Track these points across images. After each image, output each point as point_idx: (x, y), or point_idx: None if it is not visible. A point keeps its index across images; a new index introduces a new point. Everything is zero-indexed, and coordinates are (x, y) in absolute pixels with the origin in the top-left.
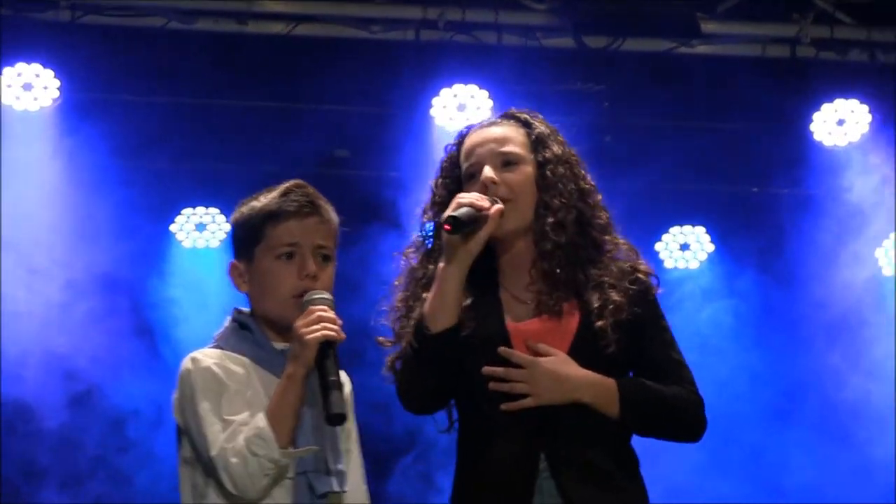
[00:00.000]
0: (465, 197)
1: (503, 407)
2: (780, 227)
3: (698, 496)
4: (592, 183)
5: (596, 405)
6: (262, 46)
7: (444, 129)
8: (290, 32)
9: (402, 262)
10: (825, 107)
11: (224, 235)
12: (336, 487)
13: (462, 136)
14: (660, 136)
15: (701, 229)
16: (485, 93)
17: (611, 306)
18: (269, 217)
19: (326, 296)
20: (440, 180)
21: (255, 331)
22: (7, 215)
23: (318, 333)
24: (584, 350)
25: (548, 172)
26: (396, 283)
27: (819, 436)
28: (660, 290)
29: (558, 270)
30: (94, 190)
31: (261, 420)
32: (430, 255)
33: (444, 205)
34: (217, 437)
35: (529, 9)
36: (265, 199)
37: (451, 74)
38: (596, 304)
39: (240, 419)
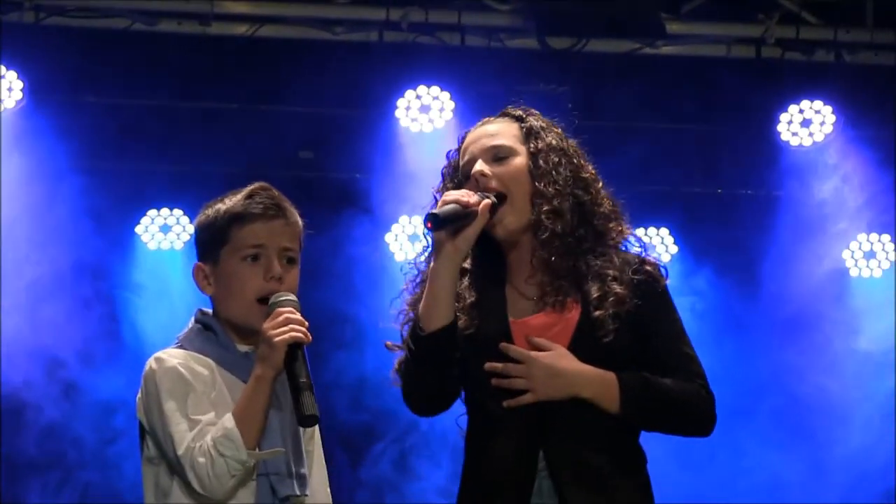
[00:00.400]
0: (451, 194)
1: (505, 404)
2: (745, 227)
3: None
4: (594, 172)
5: (595, 401)
6: (225, 48)
7: (408, 130)
8: (253, 34)
9: (410, 268)
10: (791, 107)
11: (188, 237)
12: (297, 491)
13: (461, 141)
14: (624, 138)
15: (665, 230)
16: (448, 94)
17: (611, 297)
18: (235, 219)
19: (293, 298)
20: (442, 185)
21: (220, 333)
22: None
23: (286, 335)
24: (584, 342)
25: (541, 161)
26: (404, 287)
27: (778, 433)
28: (667, 282)
29: (553, 259)
30: (58, 192)
31: (228, 421)
32: (429, 259)
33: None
34: (184, 437)
35: (493, 10)
36: (230, 202)
37: (415, 76)
38: (595, 295)
39: (206, 419)
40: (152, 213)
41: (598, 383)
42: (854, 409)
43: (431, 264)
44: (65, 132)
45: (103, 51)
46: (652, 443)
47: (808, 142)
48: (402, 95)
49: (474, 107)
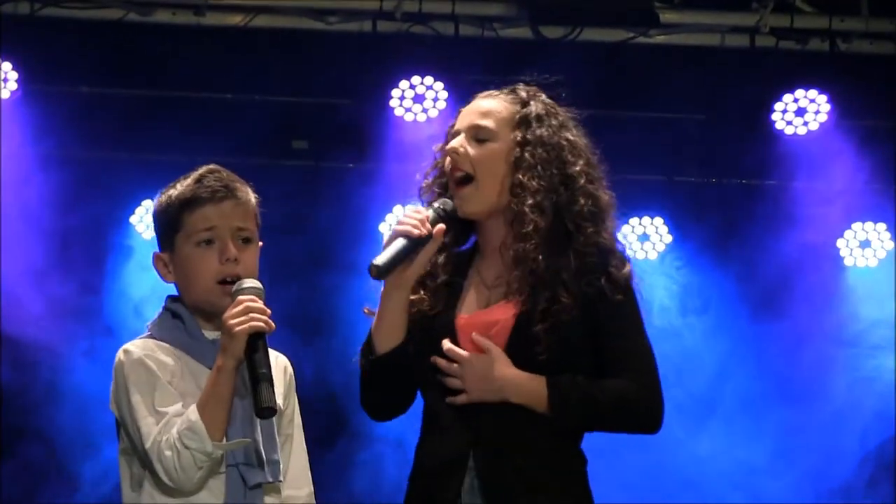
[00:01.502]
0: (402, 224)
1: (447, 400)
2: (740, 217)
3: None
4: (586, 170)
5: (527, 405)
6: (219, 38)
7: (402, 120)
8: (247, 24)
9: None
10: (785, 96)
11: None
12: (269, 478)
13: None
14: (618, 127)
15: (659, 220)
16: (441, 83)
17: (555, 307)
18: (185, 204)
19: (256, 285)
20: (432, 167)
21: (187, 320)
22: None
23: (245, 325)
24: (518, 349)
25: (526, 153)
26: None
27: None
28: (632, 281)
29: (524, 253)
30: (53, 181)
31: (192, 413)
32: None
33: (440, 181)
34: (151, 430)
35: None
36: (180, 187)
37: (409, 65)
38: (541, 307)
39: (173, 411)
40: (147, 203)
41: (528, 389)
42: (852, 398)
43: (382, 288)
44: (59, 123)
45: (98, 41)
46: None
47: (802, 130)
48: (396, 85)
49: (468, 96)
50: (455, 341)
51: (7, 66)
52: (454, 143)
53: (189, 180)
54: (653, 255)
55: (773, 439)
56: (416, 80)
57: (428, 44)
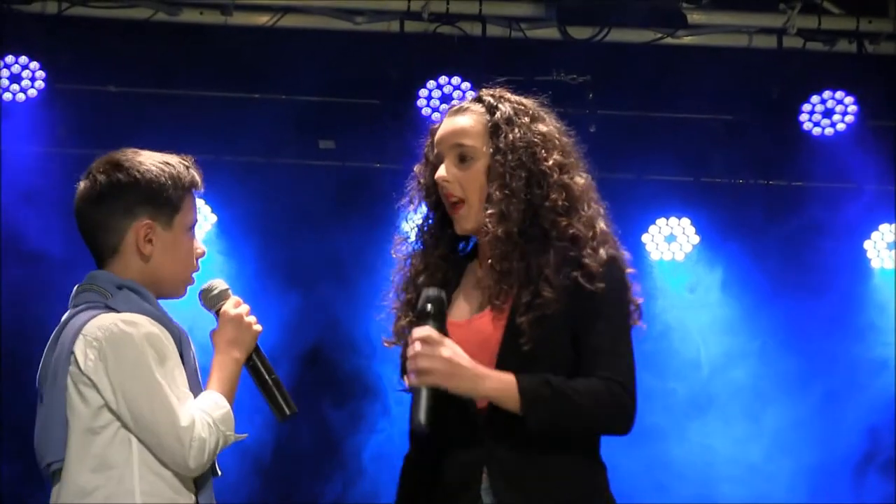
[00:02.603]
0: (416, 371)
1: (408, 383)
2: (766, 217)
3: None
4: (559, 161)
5: (498, 401)
6: (247, 37)
7: (430, 119)
8: (274, 24)
9: (394, 256)
10: (813, 97)
11: (210, 227)
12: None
13: (440, 122)
14: (645, 128)
15: (686, 220)
16: (469, 84)
17: (538, 301)
18: (189, 188)
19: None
20: (422, 166)
21: (154, 301)
22: None
23: (258, 326)
24: (509, 348)
25: (496, 163)
26: (392, 279)
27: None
28: (629, 271)
29: (493, 262)
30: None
31: (221, 399)
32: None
33: (429, 190)
34: (179, 409)
35: (514, 0)
36: (178, 168)
37: (436, 65)
38: (524, 300)
39: (188, 392)
40: None
41: (499, 380)
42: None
43: None
44: (86, 122)
45: (125, 41)
46: None
47: (829, 131)
48: (423, 85)
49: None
50: None
51: (34, 65)
52: (441, 172)
53: (175, 162)
54: (679, 256)
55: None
56: (443, 79)
57: (455, 44)
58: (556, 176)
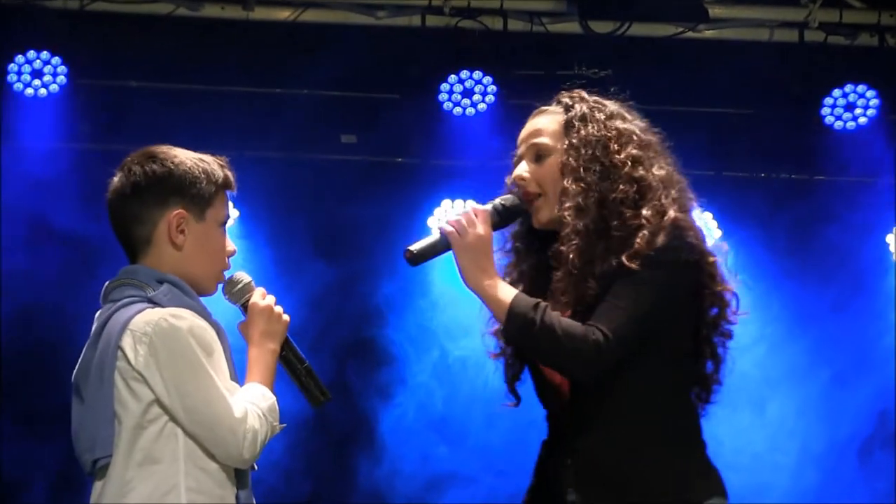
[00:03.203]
0: (450, 221)
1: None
2: (788, 211)
3: None
4: (633, 155)
5: (486, 303)
6: (268, 32)
7: (451, 114)
8: (296, 19)
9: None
10: (835, 91)
11: (232, 221)
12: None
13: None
14: (666, 122)
15: (708, 215)
16: (490, 78)
17: (588, 293)
18: (223, 186)
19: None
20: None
21: (194, 296)
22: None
23: (287, 316)
24: None
25: (570, 158)
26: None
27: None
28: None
29: (570, 256)
30: (102, 175)
31: (267, 391)
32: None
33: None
34: (234, 402)
35: None
36: (212, 165)
37: (458, 60)
38: (577, 294)
39: (233, 386)
40: None
41: (494, 287)
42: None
43: None
44: (108, 117)
45: (146, 36)
46: None
47: (851, 125)
48: (444, 79)
49: (517, 91)
50: None
51: (56, 60)
52: (518, 170)
53: (210, 160)
54: None
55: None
56: (464, 74)
57: (476, 38)
58: (627, 168)
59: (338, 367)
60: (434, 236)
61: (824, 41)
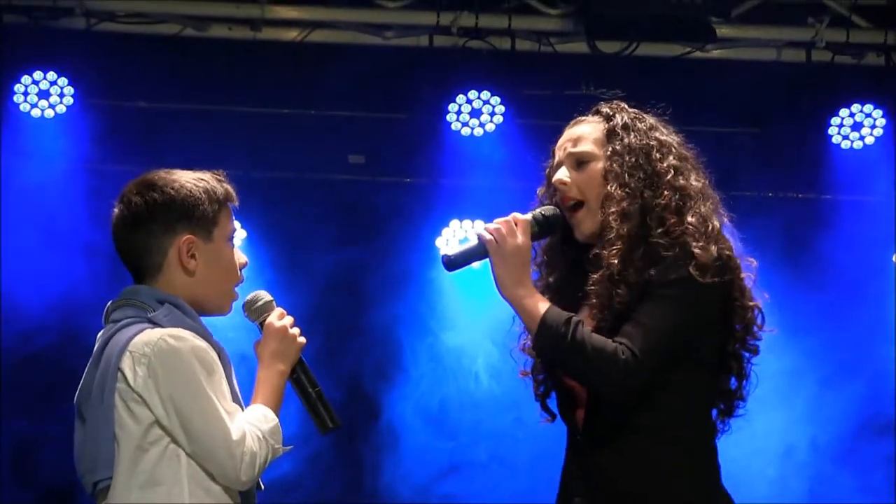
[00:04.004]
0: (488, 227)
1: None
2: (795, 231)
3: None
4: (674, 164)
5: (520, 313)
6: (276, 53)
7: (459, 134)
8: (303, 39)
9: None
10: (842, 111)
11: (240, 241)
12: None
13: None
14: None
15: None
16: (498, 98)
17: (617, 301)
18: (224, 202)
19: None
20: (544, 189)
21: (196, 317)
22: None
23: (303, 338)
24: None
25: (615, 164)
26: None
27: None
28: (693, 272)
29: (614, 261)
30: (110, 196)
31: (269, 412)
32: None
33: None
34: (229, 423)
35: (543, 14)
36: (212, 182)
37: (466, 80)
38: (608, 301)
39: (235, 408)
40: None
41: (529, 299)
42: None
43: None
44: (115, 137)
45: (154, 56)
46: None
47: (858, 145)
48: (452, 100)
49: (525, 111)
50: None
51: (63, 81)
52: (559, 175)
53: (208, 177)
54: None
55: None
56: (472, 94)
57: (484, 58)
58: (670, 176)
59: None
60: (472, 242)
61: (831, 61)
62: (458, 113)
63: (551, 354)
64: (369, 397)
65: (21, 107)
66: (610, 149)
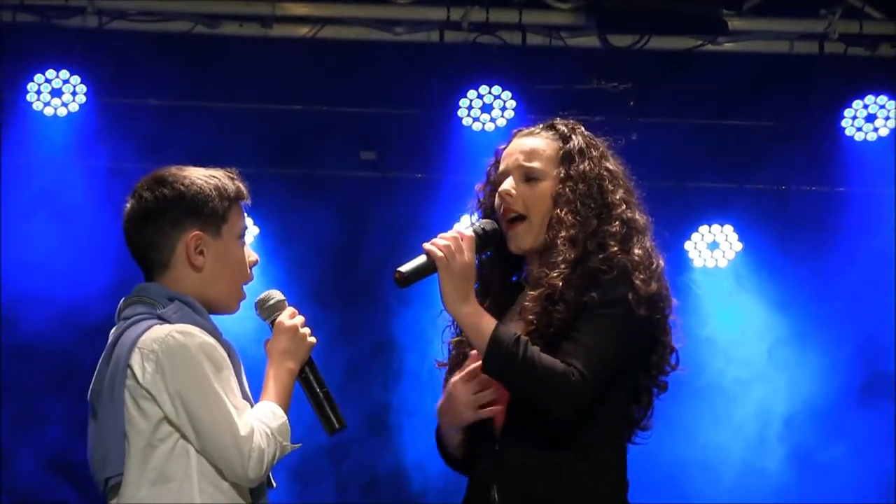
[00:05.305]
0: (434, 243)
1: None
2: (809, 223)
3: None
4: (624, 198)
5: (466, 332)
6: (287, 50)
7: (470, 129)
8: (314, 35)
9: None
10: (855, 102)
11: (252, 238)
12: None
13: (508, 142)
14: (686, 135)
15: (729, 228)
16: (509, 93)
17: (555, 320)
18: (235, 199)
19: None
20: (484, 183)
21: (205, 314)
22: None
23: (313, 338)
24: None
25: (567, 189)
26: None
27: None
28: (630, 298)
29: (559, 284)
30: (122, 195)
31: (279, 409)
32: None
33: (487, 211)
34: (241, 419)
35: (553, 8)
36: (223, 180)
37: (477, 75)
38: (544, 321)
39: (244, 404)
40: None
41: (476, 317)
42: None
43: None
44: (128, 135)
45: (165, 54)
46: None
47: (872, 137)
48: (463, 95)
49: (536, 105)
50: None
51: (76, 79)
52: (506, 185)
53: (223, 175)
54: (723, 263)
55: None
56: (483, 89)
57: (495, 53)
58: (621, 209)
59: (359, 382)
60: (421, 259)
61: (844, 52)
62: (470, 108)
63: (500, 373)
64: (377, 394)
65: (34, 105)
66: (563, 172)
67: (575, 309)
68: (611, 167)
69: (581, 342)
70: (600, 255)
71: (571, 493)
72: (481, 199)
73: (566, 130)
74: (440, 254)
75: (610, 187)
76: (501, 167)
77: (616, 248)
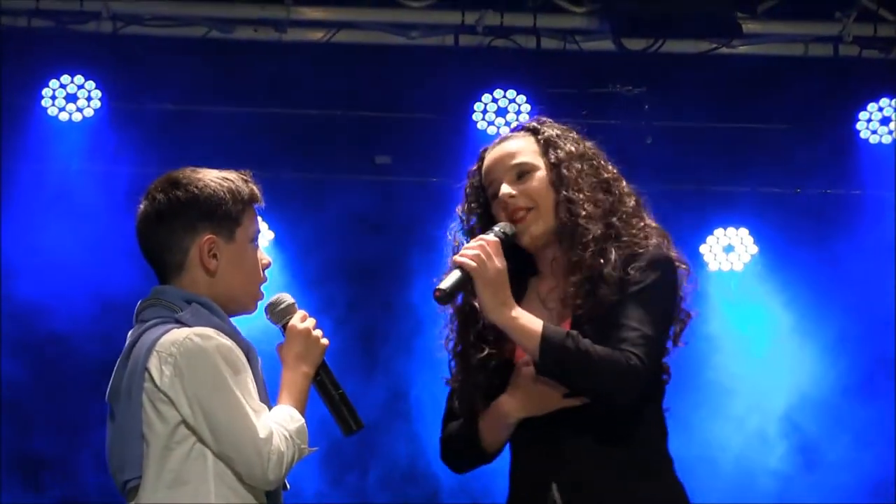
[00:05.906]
0: (462, 255)
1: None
2: (825, 227)
3: None
4: (615, 172)
5: (513, 335)
6: (301, 54)
7: (485, 133)
8: (329, 40)
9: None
10: (870, 105)
11: (267, 242)
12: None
13: (480, 161)
14: (701, 138)
15: (745, 231)
16: (524, 97)
17: (597, 300)
18: (250, 202)
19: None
20: (466, 205)
21: (223, 316)
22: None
23: (325, 340)
24: None
25: (563, 171)
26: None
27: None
28: (682, 269)
29: (583, 261)
30: (137, 199)
31: (296, 413)
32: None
33: (472, 232)
34: (259, 422)
35: (568, 12)
36: (237, 183)
37: (491, 79)
38: (591, 303)
39: (262, 406)
40: None
41: (521, 318)
42: None
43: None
44: (143, 140)
45: (180, 59)
46: None
47: (887, 139)
48: (478, 99)
49: (551, 109)
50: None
51: (91, 84)
52: (504, 190)
53: (235, 177)
54: (738, 267)
55: None
56: (498, 93)
57: (510, 57)
58: (623, 183)
59: (374, 381)
60: (456, 273)
61: (859, 55)
62: (484, 112)
63: (558, 371)
64: (397, 394)
65: (49, 111)
66: (553, 157)
67: (619, 287)
68: (590, 146)
69: (631, 326)
70: (631, 230)
71: (635, 487)
72: (474, 224)
73: (533, 125)
74: (473, 264)
75: (602, 162)
76: (491, 178)
77: (642, 222)
